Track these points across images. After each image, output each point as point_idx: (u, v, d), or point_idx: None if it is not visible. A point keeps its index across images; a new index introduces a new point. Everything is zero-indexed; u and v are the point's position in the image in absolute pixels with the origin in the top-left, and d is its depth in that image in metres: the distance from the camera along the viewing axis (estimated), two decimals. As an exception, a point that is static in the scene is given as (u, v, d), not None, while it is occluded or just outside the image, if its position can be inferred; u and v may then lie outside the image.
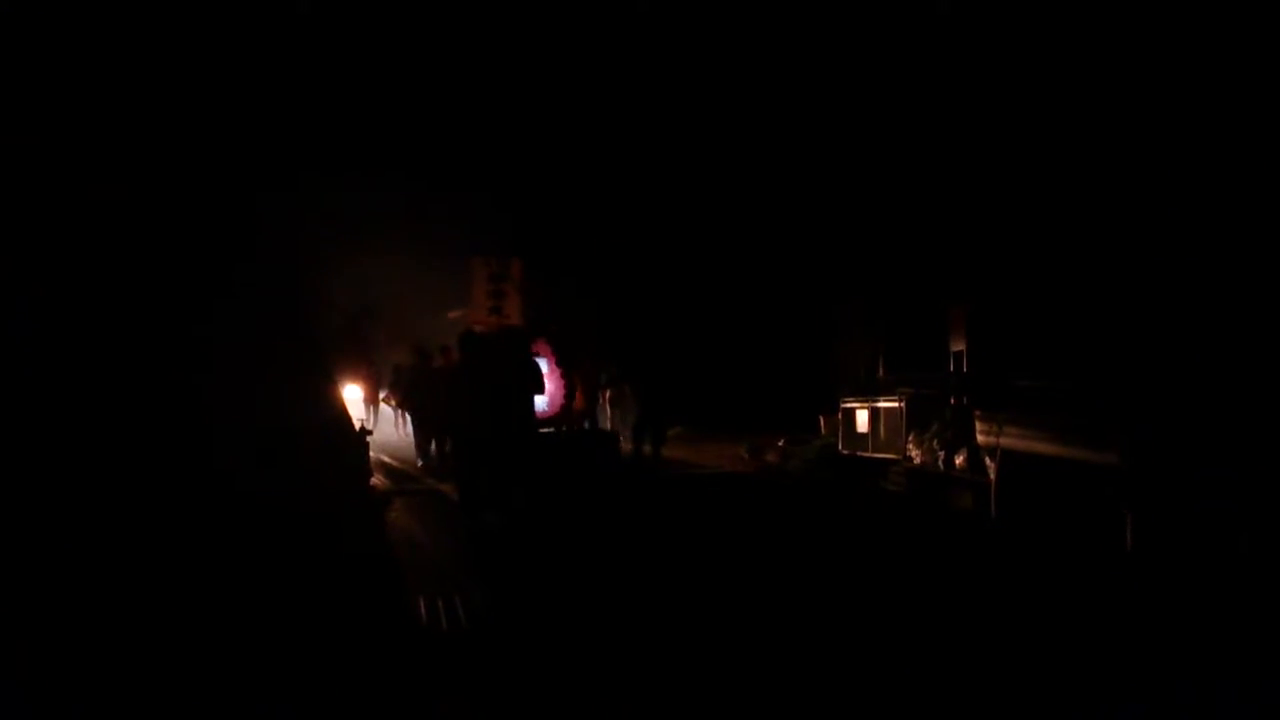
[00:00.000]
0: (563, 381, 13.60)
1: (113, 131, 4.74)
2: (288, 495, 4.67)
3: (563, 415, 13.71)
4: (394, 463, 15.63)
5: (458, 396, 8.71)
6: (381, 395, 20.02)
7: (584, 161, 18.18)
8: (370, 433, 10.11)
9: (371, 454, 11.68)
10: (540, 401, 11.55)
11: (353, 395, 23.31)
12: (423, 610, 6.18)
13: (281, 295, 5.80)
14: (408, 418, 20.12)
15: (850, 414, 13.39)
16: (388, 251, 22.47)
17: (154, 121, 5.03)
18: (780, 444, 14.99)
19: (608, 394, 16.76)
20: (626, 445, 13.44)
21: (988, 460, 9.45)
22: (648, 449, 12.86)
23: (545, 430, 12.80)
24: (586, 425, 14.39)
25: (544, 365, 12.62)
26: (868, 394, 13.39)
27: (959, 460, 10.26)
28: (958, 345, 13.08)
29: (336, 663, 4.38)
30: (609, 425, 15.75)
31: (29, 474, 3.70)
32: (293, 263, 6.52)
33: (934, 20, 12.01)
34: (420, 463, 14.28)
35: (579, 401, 14.10)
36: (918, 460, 11.18)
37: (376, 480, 12.46)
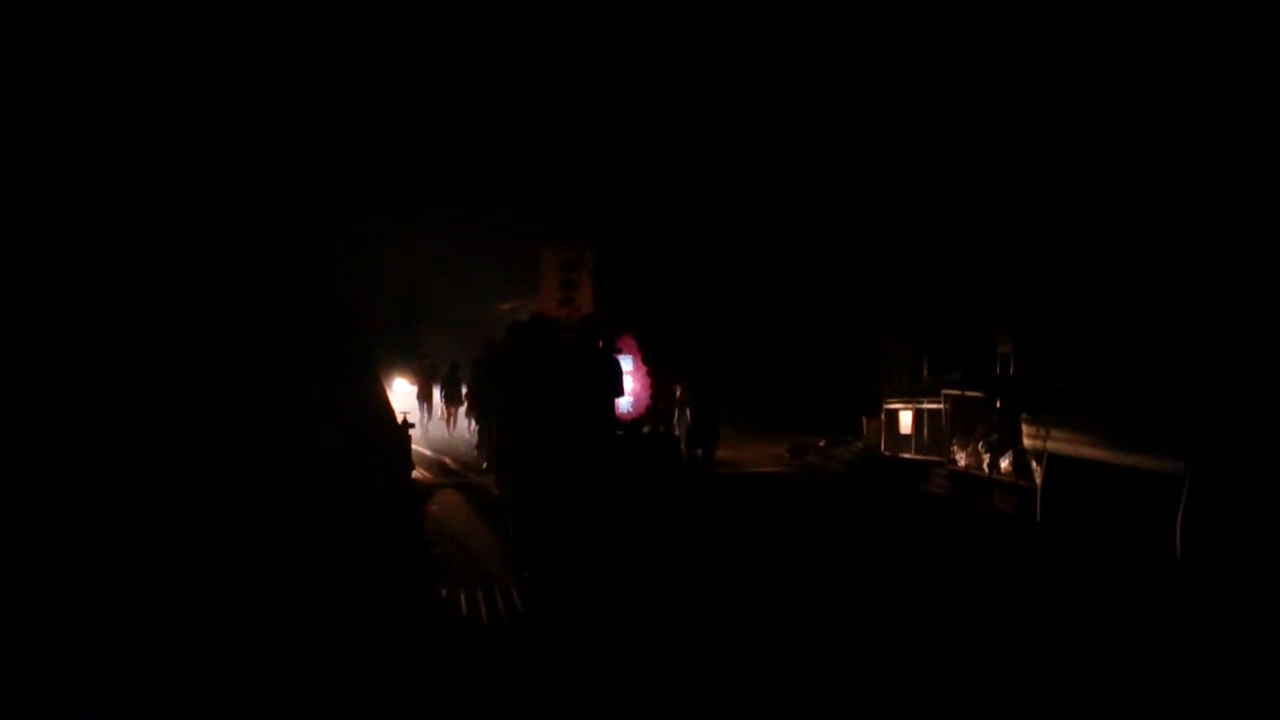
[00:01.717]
0: (649, 380, 12.97)
1: (161, 121, 4.82)
2: (325, 485, 4.71)
3: (649, 417, 13.11)
4: (437, 456, 15.76)
5: (511, 398, 7.17)
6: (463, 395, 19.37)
7: (629, 162, 18.13)
8: (413, 426, 10.17)
9: (415, 447, 11.74)
10: (624, 403, 10.87)
11: (402, 388, 23.49)
12: (463, 602, 6.22)
13: (323, 283, 5.85)
14: (455, 414, 19.99)
15: (893, 415, 13.27)
16: (438, 242, 22.38)
17: (200, 110, 5.09)
18: (821, 444, 14.90)
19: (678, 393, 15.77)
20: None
21: (1034, 464, 9.30)
22: (699, 451, 12.43)
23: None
24: (648, 428, 13.36)
25: (628, 363, 12.03)
26: (911, 395, 13.26)
27: (1004, 464, 10.11)
28: (1003, 347, 12.91)
29: (370, 651, 4.41)
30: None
31: (61, 467, 3.78)
32: (335, 252, 6.58)
33: (980, 16, 11.83)
34: (485, 465, 13.35)
35: (663, 402, 13.40)
36: (962, 463, 11.05)
37: (419, 473, 12.56)
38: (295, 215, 5.67)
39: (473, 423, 18.56)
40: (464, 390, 19.26)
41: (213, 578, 3.91)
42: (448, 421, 20.20)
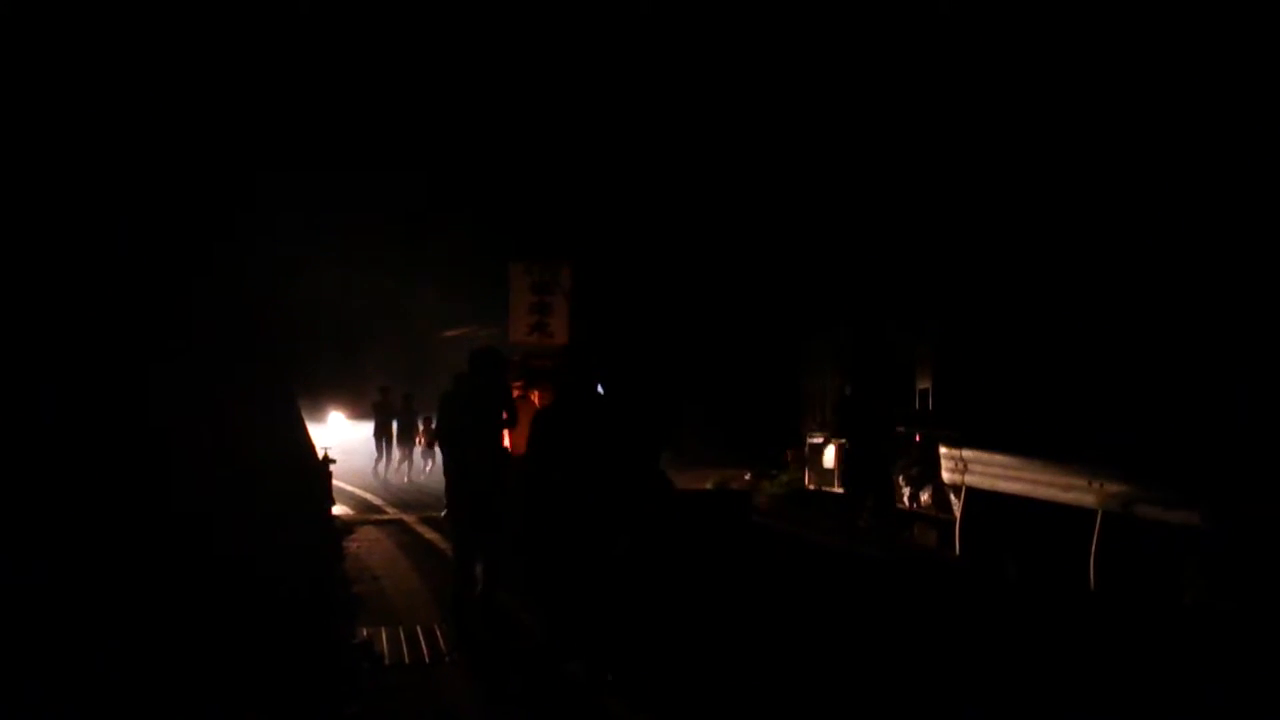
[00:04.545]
0: None
1: (82, 135, 4.67)
2: (236, 521, 4.58)
3: None
4: (360, 492, 15.46)
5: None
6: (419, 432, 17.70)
7: (565, 180, 17.80)
8: (334, 461, 9.97)
9: (336, 483, 11.40)
10: None
11: (337, 421, 22.61)
12: (383, 641, 6.08)
13: (240, 318, 5.73)
14: (411, 453, 18.06)
15: (817, 449, 13.42)
16: (373, 265, 21.10)
17: (126, 125, 4.96)
18: (747, 478, 14.99)
19: None
20: None
21: (952, 498, 9.49)
22: None
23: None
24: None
25: None
26: (834, 430, 13.44)
27: (924, 497, 10.29)
28: (924, 382, 13.18)
29: (285, 692, 4.28)
30: None
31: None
32: (253, 285, 6.44)
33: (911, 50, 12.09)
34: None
35: None
36: (883, 497, 11.21)
37: (341, 510, 12.30)
38: (200, 236, 5.53)
39: (430, 464, 17.40)
40: (420, 426, 17.60)
41: (100, 613, 3.72)
42: (401, 461, 18.11)
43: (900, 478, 10.91)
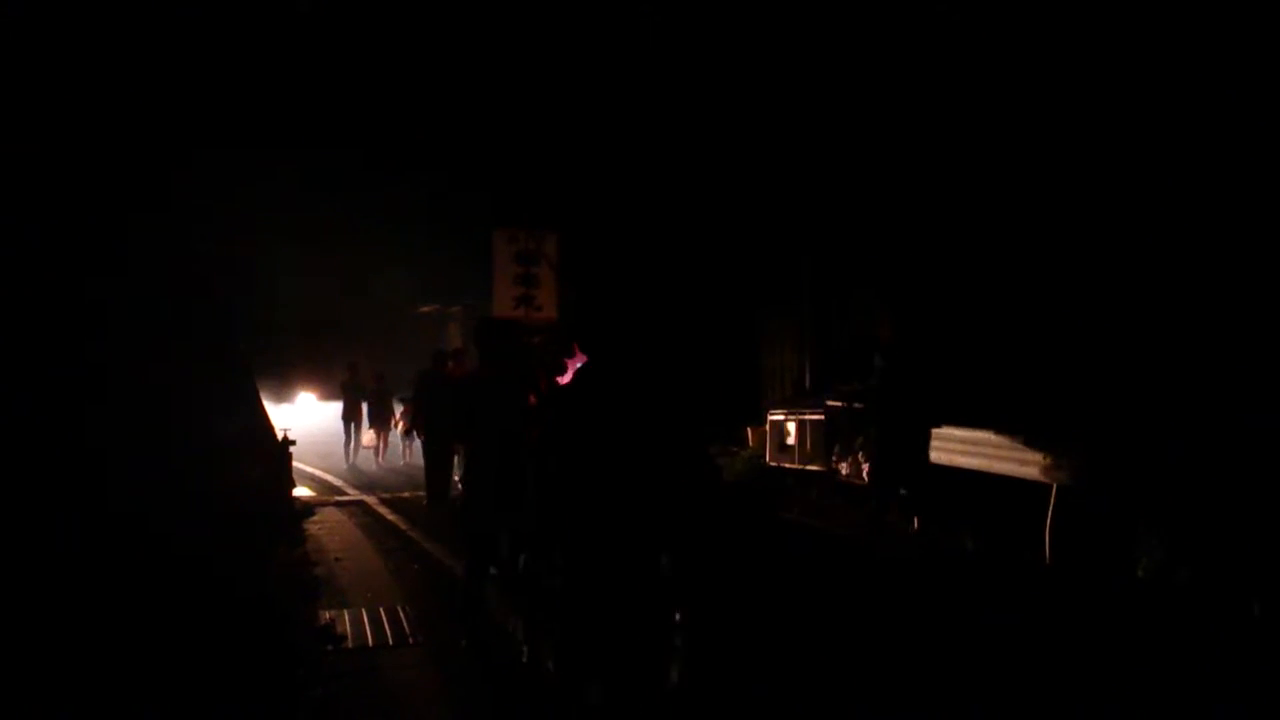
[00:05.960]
0: None
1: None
2: (183, 506, 4.52)
3: None
4: (323, 474, 15.33)
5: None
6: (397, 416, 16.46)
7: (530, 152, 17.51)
8: (293, 442, 9.88)
9: (300, 465, 11.35)
10: None
11: (307, 401, 22.23)
12: (346, 623, 6.06)
13: (198, 299, 5.64)
14: (386, 438, 17.02)
15: (778, 426, 13.51)
16: (346, 245, 20.37)
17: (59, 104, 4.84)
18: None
19: None
20: None
21: (911, 473, 9.59)
22: None
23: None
24: None
25: None
26: (795, 406, 13.53)
27: (883, 472, 10.39)
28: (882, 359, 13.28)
29: (243, 674, 4.26)
30: None
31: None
32: (208, 269, 6.34)
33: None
34: (429, 504, 11.39)
35: None
36: (844, 472, 11.33)
37: (302, 491, 12.20)
38: (157, 230, 5.44)
39: (408, 448, 16.46)
40: (399, 408, 16.21)
41: (54, 600, 3.67)
42: (377, 450, 16.89)
43: (859, 454, 11.02)
